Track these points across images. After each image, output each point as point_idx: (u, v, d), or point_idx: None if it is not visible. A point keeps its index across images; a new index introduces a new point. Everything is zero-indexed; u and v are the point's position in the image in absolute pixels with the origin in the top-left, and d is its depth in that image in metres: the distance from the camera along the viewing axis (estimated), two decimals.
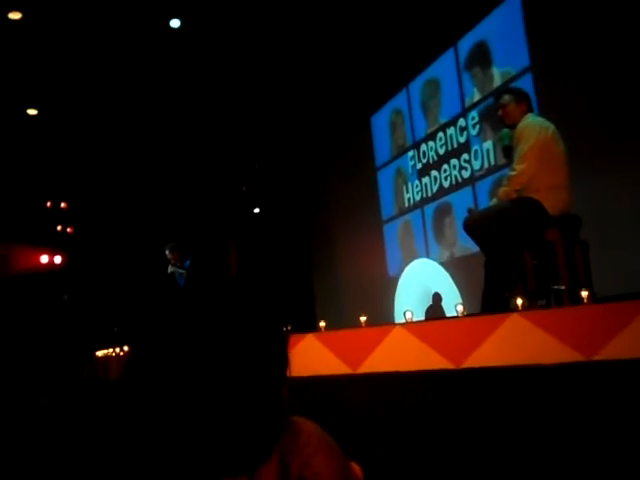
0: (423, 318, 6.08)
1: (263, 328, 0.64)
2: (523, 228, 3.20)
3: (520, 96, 3.53)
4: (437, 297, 6.53)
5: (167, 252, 6.70)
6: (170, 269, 6.68)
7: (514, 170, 3.31)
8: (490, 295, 3.17)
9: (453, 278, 6.26)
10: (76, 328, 8.97)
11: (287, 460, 0.67)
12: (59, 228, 9.71)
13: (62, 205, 9.68)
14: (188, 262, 6.72)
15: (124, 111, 8.18)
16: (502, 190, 3.40)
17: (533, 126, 3.32)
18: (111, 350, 6.65)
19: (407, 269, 7.10)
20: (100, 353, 7.24)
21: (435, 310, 6.47)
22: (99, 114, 8.16)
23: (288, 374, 0.65)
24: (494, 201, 3.58)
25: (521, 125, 3.37)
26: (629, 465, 1.74)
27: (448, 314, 5.93)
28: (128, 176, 9.16)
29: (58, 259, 9.68)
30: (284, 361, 0.65)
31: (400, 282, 7.22)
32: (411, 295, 6.87)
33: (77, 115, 8.15)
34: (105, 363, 6.75)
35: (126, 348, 5.93)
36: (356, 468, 0.86)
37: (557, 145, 3.31)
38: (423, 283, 6.74)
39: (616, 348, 2.07)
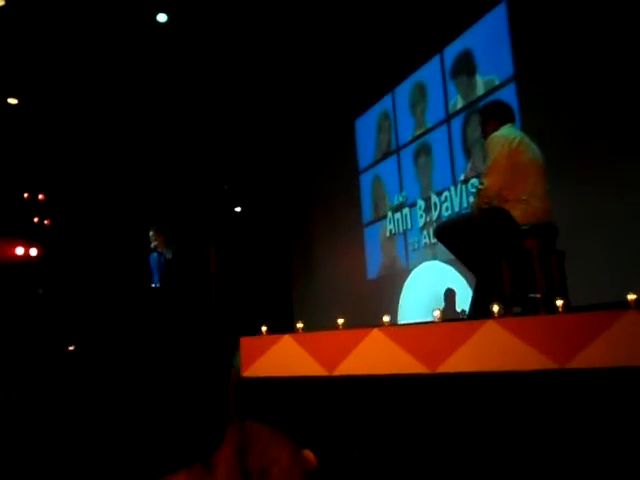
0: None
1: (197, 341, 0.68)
2: (490, 236, 3.25)
3: (486, 115, 3.62)
4: (450, 297, 6.29)
5: (151, 233, 6.33)
6: (155, 247, 6.31)
7: (482, 184, 3.37)
8: (476, 303, 3.22)
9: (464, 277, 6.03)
10: (50, 323, 8.84)
11: (244, 455, 0.71)
12: (36, 220, 9.56)
13: (40, 197, 9.53)
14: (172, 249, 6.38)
15: (105, 103, 8.09)
16: (474, 202, 3.49)
17: (498, 139, 3.35)
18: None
19: (415, 271, 6.86)
20: (72, 348, 7.15)
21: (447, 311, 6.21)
22: (80, 105, 8.06)
23: (232, 378, 0.69)
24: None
25: (488, 140, 3.42)
26: (599, 468, 1.76)
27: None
28: (108, 170, 9.05)
29: (34, 251, 9.53)
30: (220, 366, 0.69)
31: (406, 284, 6.99)
32: (421, 298, 6.68)
33: (58, 105, 8.04)
34: None
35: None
36: (310, 455, 0.88)
37: (526, 154, 3.31)
38: (433, 285, 6.46)
39: (588, 357, 2.11)
